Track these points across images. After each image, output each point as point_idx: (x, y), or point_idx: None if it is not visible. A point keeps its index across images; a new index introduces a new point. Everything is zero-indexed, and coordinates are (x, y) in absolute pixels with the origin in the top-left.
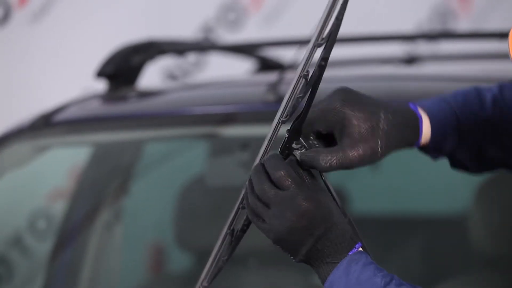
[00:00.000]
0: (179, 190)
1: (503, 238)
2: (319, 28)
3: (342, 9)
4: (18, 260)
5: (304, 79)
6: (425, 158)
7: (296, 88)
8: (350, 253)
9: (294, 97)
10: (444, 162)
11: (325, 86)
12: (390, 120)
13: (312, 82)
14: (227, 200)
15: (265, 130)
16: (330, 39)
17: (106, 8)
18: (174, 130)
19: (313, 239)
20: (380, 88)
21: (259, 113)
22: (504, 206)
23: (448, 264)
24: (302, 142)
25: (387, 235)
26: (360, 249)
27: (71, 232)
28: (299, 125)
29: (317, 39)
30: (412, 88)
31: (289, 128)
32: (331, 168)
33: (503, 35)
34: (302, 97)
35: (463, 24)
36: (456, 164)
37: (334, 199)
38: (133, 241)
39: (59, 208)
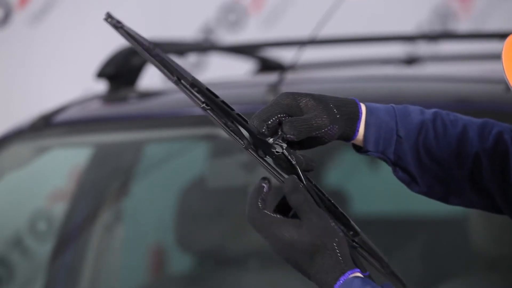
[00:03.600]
0: (180, 191)
1: (503, 240)
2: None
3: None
4: (19, 261)
5: (210, 110)
6: None
7: (217, 120)
8: (337, 284)
9: (226, 126)
10: None
11: (327, 87)
12: (337, 100)
13: (218, 105)
14: (228, 202)
15: None
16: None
17: (106, 8)
18: (175, 131)
19: (299, 268)
20: (380, 89)
21: None
22: None
23: (448, 265)
24: (274, 138)
25: (388, 236)
26: (355, 274)
27: (72, 233)
28: (255, 138)
29: (171, 77)
30: (413, 89)
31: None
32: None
33: (503, 36)
34: (231, 120)
35: (463, 25)
36: (401, 168)
37: (335, 217)
38: (134, 242)
39: (59, 209)
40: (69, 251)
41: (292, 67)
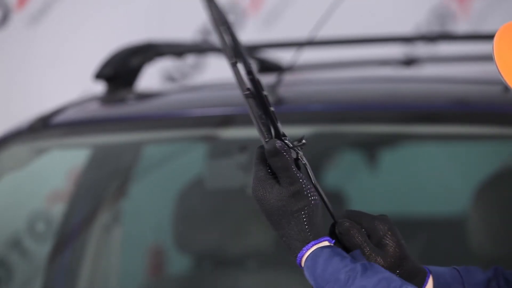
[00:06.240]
0: (178, 193)
1: (502, 240)
2: (229, 49)
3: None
4: (17, 263)
5: (252, 98)
6: (424, 160)
7: (252, 109)
8: (301, 253)
9: (258, 118)
10: (443, 164)
11: (325, 88)
12: (409, 258)
13: (260, 97)
14: (226, 203)
15: None
16: (242, 55)
17: (105, 9)
18: (173, 132)
19: (272, 226)
20: (378, 90)
21: None
22: (503, 207)
23: (448, 265)
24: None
25: None
26: (322, 244)
27: (70, 235)
28: (279, 137)
29: (231, 58)
30: (411, 90)
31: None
32: None
33: None
34: (265, 114)
35: (462, 26)
36: None
37: (314, 185)
38: (132, 243)
39: (58, 210)
40: (67, 252)
41: (290, 68)
